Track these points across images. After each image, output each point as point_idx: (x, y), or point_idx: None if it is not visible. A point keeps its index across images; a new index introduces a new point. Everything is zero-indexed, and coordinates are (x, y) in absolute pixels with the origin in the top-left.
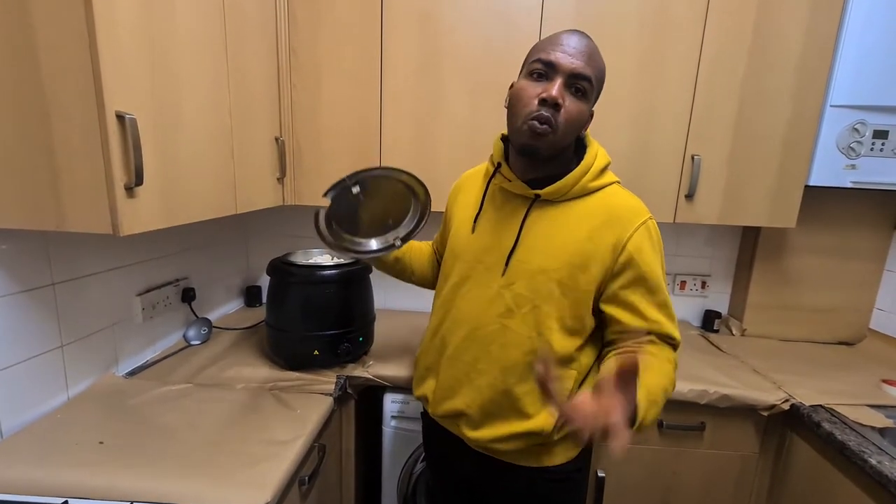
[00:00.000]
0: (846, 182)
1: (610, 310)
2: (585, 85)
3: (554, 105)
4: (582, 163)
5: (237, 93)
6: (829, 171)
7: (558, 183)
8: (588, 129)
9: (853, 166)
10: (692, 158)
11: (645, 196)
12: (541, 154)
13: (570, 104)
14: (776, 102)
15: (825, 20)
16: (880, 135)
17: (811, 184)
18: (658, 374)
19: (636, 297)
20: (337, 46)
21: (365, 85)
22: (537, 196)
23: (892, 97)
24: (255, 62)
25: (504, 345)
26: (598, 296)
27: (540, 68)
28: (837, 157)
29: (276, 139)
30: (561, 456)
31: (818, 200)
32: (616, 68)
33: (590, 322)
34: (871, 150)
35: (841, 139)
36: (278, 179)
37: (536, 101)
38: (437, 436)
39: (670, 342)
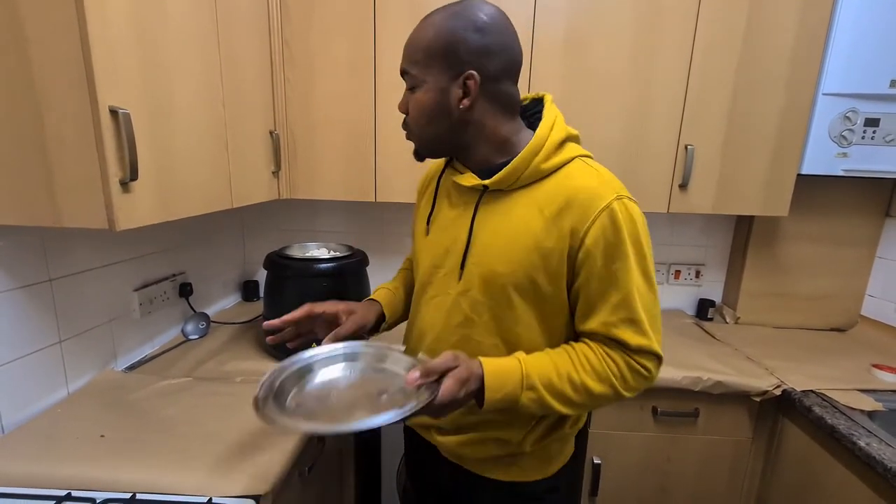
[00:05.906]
0: (838, 170)
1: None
2: (408, 78)
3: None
4: (531, 140)
5: (230, 85)
6: (821, 159)
7: (505, 169)
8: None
9: (845, 154)
10: (686, 148)
11: (639, 186)
12: (420, 154)
13: (409, 102)
14: (769, 91)
15: (817, 7)
16: (871, 122)
17: (803, 172)
18: (556, 362)
19: (593, 296)
20: (330, 38)
21: (359, 77)
22: (486, 187)
23: (884, 85)
24: (248, 54)
25: (470, 355)
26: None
27: None
28: (829, 146)
29: (271, 132)
30: (533, 472)
31: (810, 188)
32: (609, 58)
33: (571, 333)
34: (863, 138)
35: (833, 127)
36: (273, 173)
37: None
38: (415, 443)
39: (621, 346)
